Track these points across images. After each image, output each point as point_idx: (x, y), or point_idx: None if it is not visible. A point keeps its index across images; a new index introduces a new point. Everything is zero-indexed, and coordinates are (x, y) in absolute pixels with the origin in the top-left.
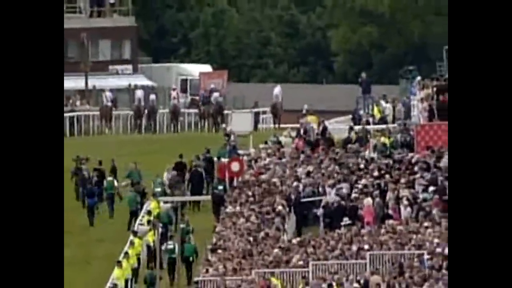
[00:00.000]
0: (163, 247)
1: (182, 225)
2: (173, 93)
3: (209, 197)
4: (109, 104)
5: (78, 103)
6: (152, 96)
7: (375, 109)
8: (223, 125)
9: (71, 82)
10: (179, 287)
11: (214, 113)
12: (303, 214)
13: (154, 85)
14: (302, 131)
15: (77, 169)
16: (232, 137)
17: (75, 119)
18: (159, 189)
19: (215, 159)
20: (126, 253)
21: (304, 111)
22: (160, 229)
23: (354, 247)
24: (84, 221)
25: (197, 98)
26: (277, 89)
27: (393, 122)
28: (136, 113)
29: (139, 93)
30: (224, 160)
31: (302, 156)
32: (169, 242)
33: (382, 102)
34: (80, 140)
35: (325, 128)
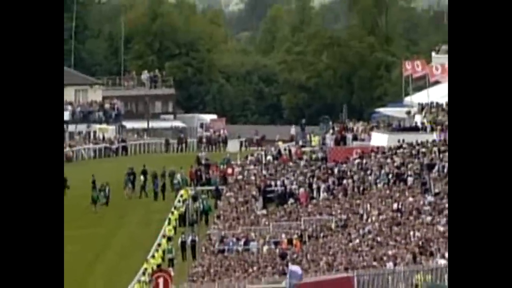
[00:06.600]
0: (194, 206)
1: (202, 195)
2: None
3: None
4: (182, 136)
5: (145, 136)
6: (207, 133)
7: (313, 139)
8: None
9: (140, 124)
10: (201, 226)
11: (218, 142)
12: (267, 197)
13: (185, 126)
14: (267, 151)
15: (143, 170)
16: (228, 154)
17: (142, 145)
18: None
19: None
20: (169, 218)
21: (277, 139)
22: (190, 203)
23: (294, 215)
24: (148, 201)
25: (208, 134)
26: (293, 129)
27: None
28: (199, 140)
29: (200, 131)
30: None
31: (267, 164)
32: (196, 203)
33: (313, 136)
34: (142, 155)
35: (279, 150)
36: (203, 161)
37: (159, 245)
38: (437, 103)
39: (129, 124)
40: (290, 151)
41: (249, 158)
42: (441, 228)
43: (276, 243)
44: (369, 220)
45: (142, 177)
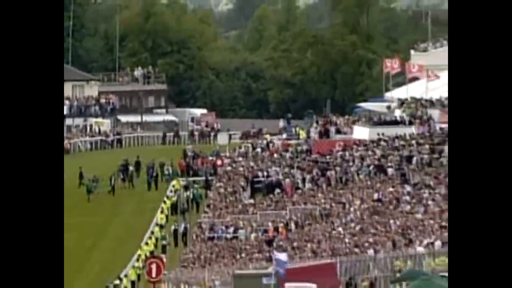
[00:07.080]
0: (185, 194)
1: (195, 185)
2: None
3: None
4: (177, 128)
5: (139, 129)
6: (198, 126)
7: (300, 132)
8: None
9: (134, 118)
10: (192, 215)
11: (208, 135)
12: (254, 187)
13: (177, 120)
14: (255, 143)
15: (136, 162)
16: (217, 147)
17: (136, 138)
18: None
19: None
20: (162, 207)
21: (264, 132)
22: (182, 192)
23: (281, 205)
24: (142, 190)
25: (199, 127)
26: (281, 123)
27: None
28: (190, 133)
29: (191, 124)
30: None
31: (254, 156)
32: (187, 192)
33: (300, 130)
34: (136, 147)
35: (267, 142)
36: (189, 153)
37: (152, 232)
38: (415, 98)
39: (123, 118)
40: (274, 144)
41: (237, 150)
42: (419, 217)
43: (263, 231)
44: (351, 209)
45: (131, 168)
